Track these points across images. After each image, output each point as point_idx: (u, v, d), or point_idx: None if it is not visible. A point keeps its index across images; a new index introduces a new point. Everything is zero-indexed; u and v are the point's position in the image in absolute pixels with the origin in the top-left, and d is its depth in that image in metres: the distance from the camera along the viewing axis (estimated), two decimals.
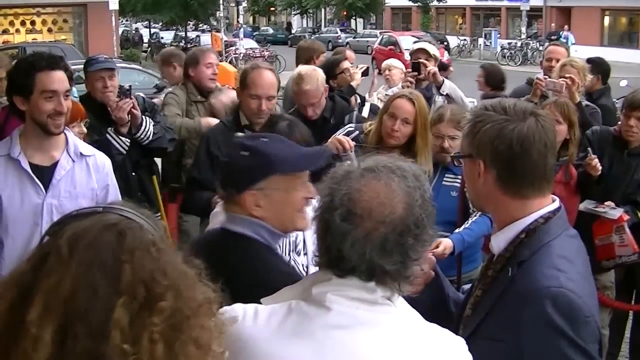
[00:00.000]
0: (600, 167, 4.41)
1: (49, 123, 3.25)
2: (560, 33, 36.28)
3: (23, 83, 3.25)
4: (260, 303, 1.70)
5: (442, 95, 5.36)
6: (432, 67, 5.46)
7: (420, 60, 5.53)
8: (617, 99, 6.84)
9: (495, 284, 2.00)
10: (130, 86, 4.73)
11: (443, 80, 5.49)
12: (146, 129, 4.64)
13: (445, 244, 3.99)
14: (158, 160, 5.31)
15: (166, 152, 4.98)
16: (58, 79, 3.25)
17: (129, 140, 4.56)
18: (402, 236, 1.57)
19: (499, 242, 2.03)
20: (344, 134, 4.27)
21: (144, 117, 4.67)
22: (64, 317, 1.22)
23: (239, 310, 1.66)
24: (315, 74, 4.75)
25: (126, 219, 1.35)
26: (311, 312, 1.60)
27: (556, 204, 2.03)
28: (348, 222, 1.57)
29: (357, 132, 4.30)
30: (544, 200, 2.01)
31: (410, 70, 5.50)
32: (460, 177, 4.06)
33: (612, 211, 4.45)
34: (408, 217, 1.58)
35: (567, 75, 5.27)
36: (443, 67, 5.49)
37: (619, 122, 4.84)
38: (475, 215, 4.03)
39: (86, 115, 4.28)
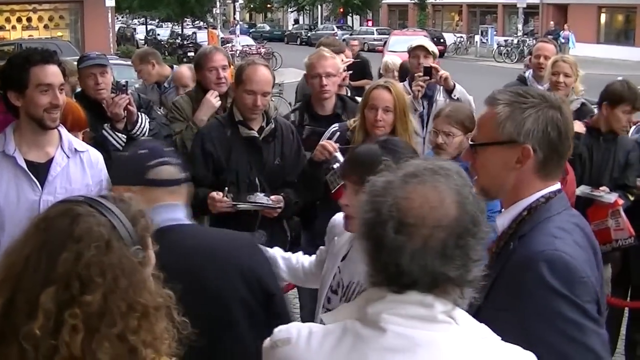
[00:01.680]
0: None
1: (45, 117, 3.24)
2: (560, 32, 36.10)
3: (18, 78, 3.24)
4: None
5: (452, 99, 5.34)
6: (443, 72, 5.45)
7: (434, 65, 5.50)
8: None
9: (499, 259, 2.05)
10: (126, 82, 4.72)
11: (454, 85, 5.49)
12: (142, 126, 4.63)
13: None
14: None
15: None
16: (52, 72, 3.24)
17: (125, 136, 4.55)
18: (461, 238, 1.49)
19: (504, 221, 2.10)
20: (328, 136, 4.29)
21: (139, 113, 4.66)
22: (12, 292, 1.31)
23: (293, 331, 1.61)
24: (334, 54, 4.83)
25: (94, 210, 1.40)
26: (366, 334, 1.50)
27: (557, 186, 2.10)
28: (402, 234, 1.47)
29: (340, 131, 4.30)
30: (550, 183, 2.09)
31: (421, 74, 5.44)
32: None
33: (608, 195, 4.53)
34: (463, 216, 1.49)
35: (560, 71, 5.31)
36: (427, 72, 5.40)
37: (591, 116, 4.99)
38: None
39: (87, 125, 4.24)
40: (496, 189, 2.12)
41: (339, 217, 2.79)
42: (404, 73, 6.84)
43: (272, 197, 4.05)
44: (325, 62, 4.65)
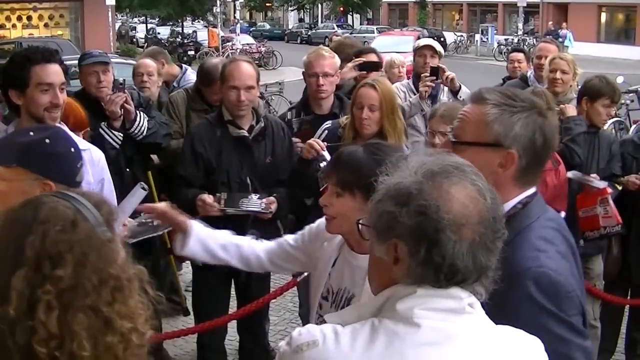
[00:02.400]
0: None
1: (46, 116, 3.24)
2: (559, 32, 36.12)
3: (19, 76, 3.24)
4: None
5: (458, 100, 5.34)
6: (450, 73, 5.47)
7: (440, 65, 5.52)
8: None
9: None
10: (124, 80, 4.70)
11: (460, 86, 5.51)
12: (140, 124, 4.62)
13: None
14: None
15: (161, 148, 4.94)
16: (54, 71, 3.24)
17: (122, 135, 4.54)
18: (496, 231, 1.54)
19: None
20: (320, 133, 4.29)
21: (138, 112, 4.65)
22: None
23: (316, 333, 1.55)
24: (334, 53, 4.81)
25: (57, 198, 1.43)
26: (400, 330, 1.50)
27: (532, 189, 2.07)
28: (455, 234, 1.48)
29: (332, 129, 4.30)
30: (526, 189, 2.07)
31: (427, 74, 5.45)
32: None
33: (598, 182, 4.61)
34: (493, 210, 1.54)
35: (557, 68, 5.34)
36: (434, 72, 5.43)
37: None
38: None
39: (88, 125, 4.24)
40: None
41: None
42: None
43: (265, 199, 4.04)
44: (324, 61, 4.63)
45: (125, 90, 4.61)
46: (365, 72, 5.17)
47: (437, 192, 1.50)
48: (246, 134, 4.13)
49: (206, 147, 4.11)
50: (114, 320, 1.35)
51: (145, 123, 4.65)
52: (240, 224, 3.96)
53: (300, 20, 65.98)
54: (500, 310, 1.82)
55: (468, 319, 1.54)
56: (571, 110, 4.81)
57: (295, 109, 4.89)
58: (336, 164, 2.54)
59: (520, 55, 7.18)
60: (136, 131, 4.62)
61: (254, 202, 4.03)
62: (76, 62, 4.93)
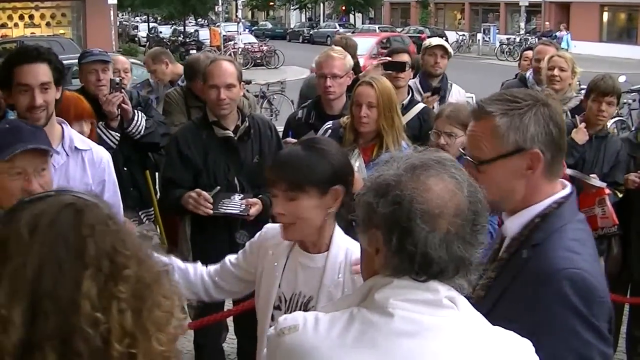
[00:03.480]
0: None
1: (29, 117, 3.21)
2: (555, 34, 35.87)
3: (4, 77, 3.25)
4: None
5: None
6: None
7: (430, 99, 5.58)
8: None
9: (509, 266, 2.01)
10: (120, 79, 4.71)
11: (452, 85, 5.77)
12: (138, 124, 4.61)
13: None
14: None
15: (159, 147, 4.93)
16: (33, 72, 3.20)
17: (119, 135, 4.53)
18: (474, 224, 1.57)
19: (514, 225, 2.04)
20: (322, 133, 4.27)
21: (136, 111, 4.63)
22: (31, 296, 1.24)
23: (299, 318, 1.62)
24: (345, 53, 4.78)
25: (80, 198, 1.38)
26: (374, 319, 1.54)
27: (568, 190, 2.06)
28: (429, 224, 1.52)
29: (333, 129, 4.28)
30: (557, 185, 2.05)
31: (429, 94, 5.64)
32: None
33: (597, 181, 4.64)
34: (472, 203, 1.58)
35: (555, 66, 5.37)
36: (436, 91, 5.64)
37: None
38: None
39: (93, 115, 4.20)
40: (507, 200, 2.04)
41: (271, 228, 2.62)
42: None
43: (249, 200, 3.96)
44: (332, 62, 4.61)
45: (123, 90, 4.60)
46: (391, 72, 5.12)
47: (414, 183, 1.55)
48: (231, 135, 4.08)
49: (192, 149, 4.06)
50: (173, 312, 1.35)
51: (143, 122, 4.63)
52: (230, 224, 3.94)
53: (309, 19, 65.82)
54: (530, 310, 1.86)
55: (447, 313, 1.56)
56: (582, 136, 4.78)
57: (306, 108, 4.87)
58: (281, 169, 2.40)
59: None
60: (134, 130, 4.60)
61: (234, 204, 3.97)
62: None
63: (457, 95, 5.85)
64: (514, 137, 1.97)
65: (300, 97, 6.28)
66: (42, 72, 3.23)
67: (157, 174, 5.08)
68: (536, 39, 34.17)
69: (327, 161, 2.39)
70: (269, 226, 2.67)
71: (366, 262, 1.68)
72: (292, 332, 1.59)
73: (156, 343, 1.30)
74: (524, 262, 1.95)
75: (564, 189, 2.05)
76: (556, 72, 5.37)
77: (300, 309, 2.39)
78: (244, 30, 34.27)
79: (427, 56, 5.85)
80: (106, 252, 1.30)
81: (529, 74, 6.29)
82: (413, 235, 1.52)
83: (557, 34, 35.74)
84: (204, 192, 3.91)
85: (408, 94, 5.24)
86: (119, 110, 4.53)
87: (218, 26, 34.06)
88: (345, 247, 2.45)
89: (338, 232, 2.48)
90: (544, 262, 1.90)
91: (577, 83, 5.58)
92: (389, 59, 5.34)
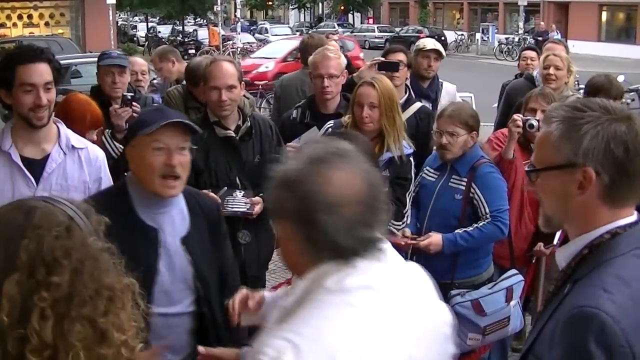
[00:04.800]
0: None
1: (31, 116, 3.22)
2: (549, 33, 35.67)
3: (4, 76, 3.24)
4: None
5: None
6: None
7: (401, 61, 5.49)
8: None
9: (552, 302, 1.84)
10: (132, 96, 4.71)
11: (442, 84, 5.67)
12: None
13: (433, 239, 4.00)
14: None
15: None
16: (37, 71, 3.21)
17: (122, 147, 4.47)
18: (376, 208, 1.68)
19: (562, 257, 1.86)
20: (322, 133, 4.28)
21: None
22: None
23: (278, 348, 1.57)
24: (339, 52, 4.77)
25: (47, 203, 1.38)
26: (337, 300, 1.65)
27: (632, 218, 1.80)
28: (332, 215, 1.63)
29: (334, 128, 4.27)
30: (622, 212, 1.79)
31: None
32: (465, 179, 4.08)
33: None
34: (372, 190, 1.68)
35: (551, 64, 5.38)
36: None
37: None
38: (483, 221, 4.03)
39: (104, 124, 4.21)
40: (560, 218, 1.86)
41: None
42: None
43: (253, 199, 3.99)
44: (329, 62, 4.62)
45: (134, 104, 4.60)
46: (384, 71, 4.96)
47: (315, 177, 1.65)
48: (233, 135, 4.09)
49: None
50: (110, 332, 1.32)
51: None
52: (233, 223, 3.94)
53: (320, 19, 65.41)
54: (551, 350, 1.70)
55: (381, 267, 1.72)
56: None
57: (301, 107, 4.86)
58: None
59: (533, 54, 7.12)
60: None
61: (239, 202, 3.99)
62: (77, 60, 4.99)
63: (448, 92, 5.77)
64: (566, 149, 1.76)
65: (275, 99, 6.16)
66: (45, 71, 3.24)
67: None
68: (530, 40, 34.11)
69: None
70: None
71: (281, 247, 1.79)
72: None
73: None
74: (563, 298, 1.76)
75: (628, 217, 1.79)
76: (552, 70, 5.39)
77: None
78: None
79: (420, 58, 5.68)
80: (43, 259, 1.29)
81: (536, 72, 6.25)
82: (318, 226, 1.63)
83: (550, 34, 35.62)
84: (211, 194, 3.91)
85: (405, 92, 5.20)
86: (127, 125, 4.52)
87: (216, 26, 34.05)
88: None
89: None
90: (573, 299, 1.71)
91: (576, 82, 5.58)
92: (383, 59, 5.28)
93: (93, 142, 3.85)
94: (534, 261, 4.74)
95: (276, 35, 37.10)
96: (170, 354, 2.77)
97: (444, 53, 5.81)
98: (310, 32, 50.94)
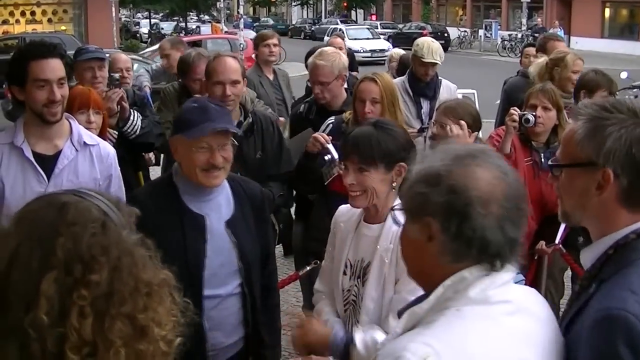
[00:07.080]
0: None
1: (45, 112, 3.23)
2: (549, 30, 35.62)
3: (18, 72, 3.23)
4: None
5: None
6: None
7: None
8: (619, 90, 6.86)
9: (577, 302, 1.84)
10: (120, 76, 4.67)
11: (441, 80, 5.65)
12: (133, 123, 4.56)
13: None
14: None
15: (152, 148, 4.89)
16: (50, 67, 3.21)
17: (117, 133, 4.47)
18: (519, 208, 1.66)
19: (587, 258, 1.86)
20: (324, 129, 4.27)
21: (132, 110, 4.60)
22: (1, 287, 1.26)
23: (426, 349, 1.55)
24: (335, 56, 4.68)
25: (79, 198, 1.36)
26: (480, 311, 1.63)
27: None
28: (484, 209, 1.61)
29: (336, 124, 4.28)
30: None
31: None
32: None
33: None
34: (515, 189, 1.67)
35: (579, 70, 5.30)
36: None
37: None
38: None
39: (100, 105, 4.11)
40: (578, 215, 1.87)
41: (342, 207, 2.95)
42: (404, 67, 6.80)
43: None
44: (317, 71, 4.60)
45: (121, 87, 4.58)
46: None
47: (465, 172, 1.64)
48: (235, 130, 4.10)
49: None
50: (149, 328, 1.31)
51: (139, 122, 4.59)
52: None
53: (330, 13, 64.99)
54: (575, 350, 1.71)
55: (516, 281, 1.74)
56: None
57: (308, 103, 4.87)
58: (355, 145, 2.74)
59: (534, 50, 7.12)
60: (129, 130, 4.55)
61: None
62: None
63: (447, 90, 5.74)
64: (588, 149, 1.77)
65: (306, 91, 6.26)
66: (58, 67, 3.24)
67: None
68: (531, 37, 34.02)
69: (394, 140, 2.74)
70: (341, 207, 2.97)
71: (413, 251, 1.72)
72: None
73: (120, 358, 1.27)
74: (589, 298, 1.76)
75: None
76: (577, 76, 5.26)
77: (360, 273, 2.73)
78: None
79: (418, 66, 5.60)
80: (80, 256, 1.28)
81: (531, 69, 6.24)
82: (471, 220, 1.60)
83: (550, 30, 35.56)
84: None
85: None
86: (119, 107, 4.50)
87: (219, 22, 33.99)
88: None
89: (398, 205, 2.59)
90: (600, 300, 1.71)
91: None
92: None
93: (85, 124, 3.77)
94: (535, 259, 4.73)
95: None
96: (223, 337, 2.97)
97: (442, 60, 5.70)
98: (313, 28, 50.72)
